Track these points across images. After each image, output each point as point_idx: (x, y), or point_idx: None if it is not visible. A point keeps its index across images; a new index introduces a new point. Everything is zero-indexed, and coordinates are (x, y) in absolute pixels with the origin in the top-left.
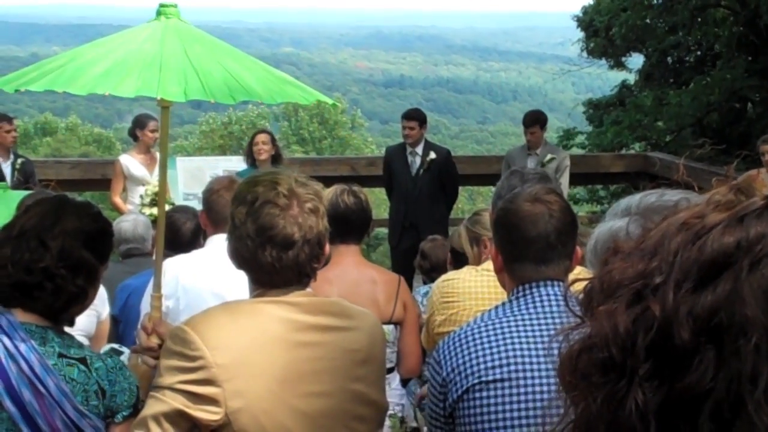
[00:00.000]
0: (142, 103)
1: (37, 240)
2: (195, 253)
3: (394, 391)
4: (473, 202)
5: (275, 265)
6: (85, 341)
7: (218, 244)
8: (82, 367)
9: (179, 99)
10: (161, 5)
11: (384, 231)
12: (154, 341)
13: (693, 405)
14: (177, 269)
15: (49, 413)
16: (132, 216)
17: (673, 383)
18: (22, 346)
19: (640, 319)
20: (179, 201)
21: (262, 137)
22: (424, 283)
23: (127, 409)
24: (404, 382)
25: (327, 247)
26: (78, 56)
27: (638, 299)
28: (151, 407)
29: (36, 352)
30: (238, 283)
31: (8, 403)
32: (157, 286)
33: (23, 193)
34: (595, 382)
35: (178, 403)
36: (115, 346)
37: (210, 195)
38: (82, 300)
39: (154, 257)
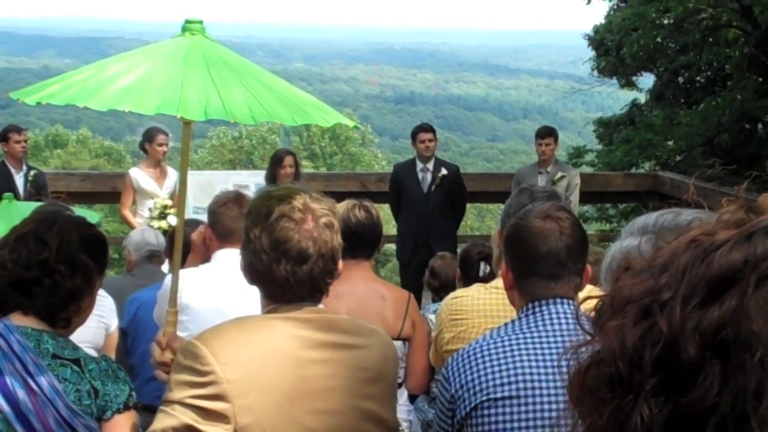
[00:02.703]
0: (152, 116)
1: (35, 239)
2: (202, 268)
3: (401, 407)
4: (482, 220)
5: (289, 279)
6: (93, 354)
7: (224, 259)
8: (75, 367)
9: (199, 118)
10: (187, 21)
11: (393, 247)
12: (168, 356)
13: (698, 420)
14: (182, 284)
15: (42, 411)
16: (153, 229)
17: (679, 398)
18: (17, 346)
19: (648, 334)
20: (189, 214)
21: (289, 160)
22: (433, 300)
23: (116, 405)
24: (412, 399)
25: (340, 263)
26: (100, 70)
27: (646, 315)
28: (161, 421)
29: (30, 351)
30: (243, 300)
31: (2, 402)
32: (173, 301)
33: (33, 204)
34: (603, 397)
35: (188, 418)
36: None
37: (217, 208)
38: (79, 300)
39: (166, 270)
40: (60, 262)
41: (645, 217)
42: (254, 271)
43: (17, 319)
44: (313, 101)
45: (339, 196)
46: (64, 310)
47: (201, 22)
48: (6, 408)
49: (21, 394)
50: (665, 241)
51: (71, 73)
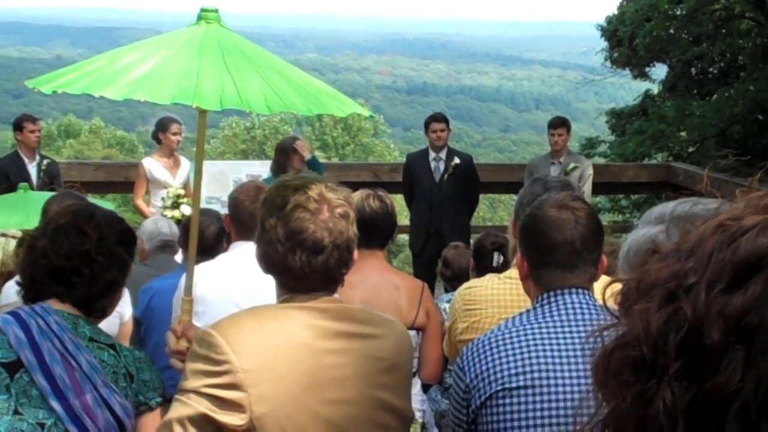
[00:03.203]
0: (165, 106)
1: (75, 230)
2: (218, 260)
3: (415, 396)
4: (494, 210)
5: (304, 269)
6: None
7: (241, 250)
8: (112, 351)
9: (215, 108)
10: (202, 10)
11: (405, 237)
12: (183, 344)
13: (720, 406)
14: (197, 276)
15: (80, 387)
16: (166, 219)
17: (702, 383)
18: (55, 326)
19: (672, 318)
20: (202, 204)
21: (301, 144)
22: (446, 290)
23: (159, 397)
24: (425, 388)
25: (355, 253)
26: (116, 59)
27: (671, 299)
28: (176, 410)
29: (68, 331)
30: (258, 291)
31: (39, 377)
32: (188, 290)
33: (46, 194)
34: (626, 381)
35: (203, 407)
36: None
37: (236, 204)
38: (114, 292)
39: (179, 260)
40: (100, 253)
41: (662, 206)
42: (269, 261)
43: (54, 305)
44: (329, 90)
45: (352, 186)
46: (101, 300)
47: (217, 11)
48: (43, 382)
49: (59, 370)
50: (693, 225)
51: (87, 62)
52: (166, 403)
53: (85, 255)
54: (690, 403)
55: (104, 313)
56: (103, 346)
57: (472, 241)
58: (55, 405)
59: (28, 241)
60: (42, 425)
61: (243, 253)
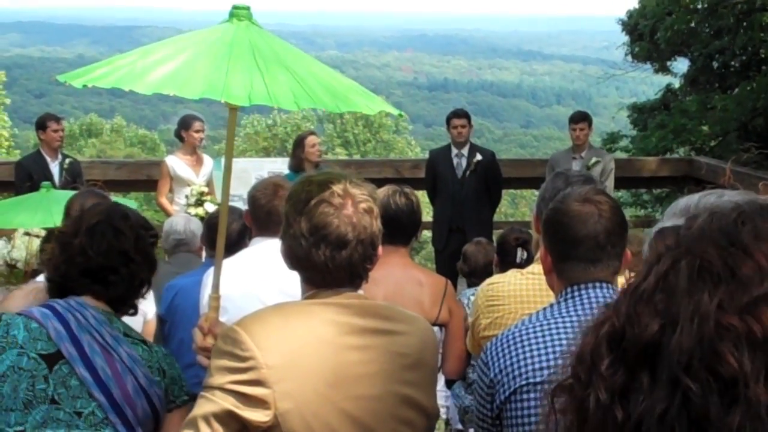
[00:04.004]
0: (186, 104)
1: (112, 229)
2: (239, 256)
3: (438, 392)
4: (516, 206)
5: (328, 264)
6: None
7: (261, 246)
8: (144, 347)
9: (243, 103)
10: (234, 7)
11: (428, 234)
12: (210, 341)
13: (650, 353)
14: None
15: (121, 378)
16: (186, 216)
17: (627, 349)
18: (93, 320)
19: (600, 329)
20: None
21: (314, 139)
22: (469, 286)
23: (186, 395)
24: (449, 384)
25: (380, 249)
26: (146, 55)
27: (603, 322)
28: (201, 407)
29: (106, 325)
30: (279, 286)
31: (81, 369)
32: (216, 287)
33: (68, 193)
34: (566, 404)
35: (228, 403)
36: None
37: (253, 202)
38: (146, 291)
39: (203, 258)
40: (138, 253)
41: (687, 198)
42: (294, 256)
43: (88, 301)
44: (358, 88)
45: (373, 183)
46: (133, 298)
47: (248, 9)
48: (85, 374)
49: (99, 361)
50: None
51: (117, 57)
52: (192, 401)
53: (124, 254)
54: (623, 382)
55: (136, 311)
56: (136, 342)
57: (494, 237)
58: (98, 395)
59: (61, 238)
60: (79, 414)
61: (263, 249)
